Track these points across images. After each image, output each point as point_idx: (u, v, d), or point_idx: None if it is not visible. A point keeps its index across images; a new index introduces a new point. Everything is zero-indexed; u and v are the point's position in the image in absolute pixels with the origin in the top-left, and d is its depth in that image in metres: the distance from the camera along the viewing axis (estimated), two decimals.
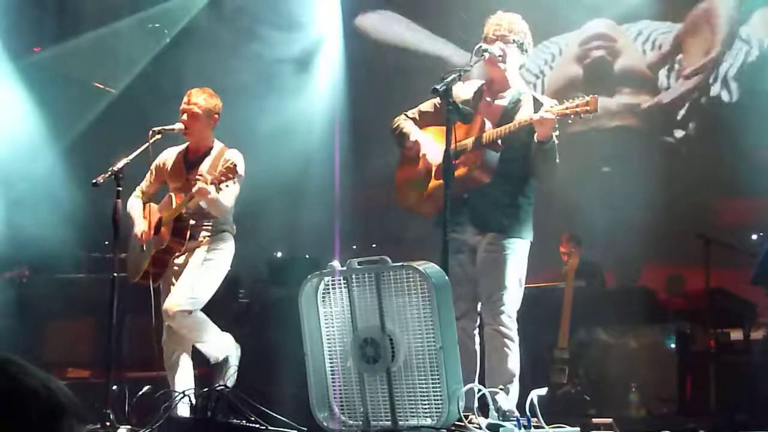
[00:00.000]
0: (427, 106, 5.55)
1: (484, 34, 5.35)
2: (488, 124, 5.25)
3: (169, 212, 6.00)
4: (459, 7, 9.54)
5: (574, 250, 7.91)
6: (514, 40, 5.31)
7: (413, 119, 5.57)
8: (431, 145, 5.39)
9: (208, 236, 6.05)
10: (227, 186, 5.76)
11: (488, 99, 5.43)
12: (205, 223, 6.05)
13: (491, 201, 5.25)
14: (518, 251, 5.28)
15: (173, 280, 6.04)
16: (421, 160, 5.41)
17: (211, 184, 5.69)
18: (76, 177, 8.62)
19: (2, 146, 8.60)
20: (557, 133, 5.20)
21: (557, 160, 5.22)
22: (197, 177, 5.86)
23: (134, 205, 6.24)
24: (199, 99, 6.07)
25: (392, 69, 10.34)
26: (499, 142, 5.20)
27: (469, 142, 5.25)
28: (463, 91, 5.43)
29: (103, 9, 10.16)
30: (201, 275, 5.95)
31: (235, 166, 5.70)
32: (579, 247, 7.98)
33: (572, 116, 5.04)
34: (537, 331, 7.05)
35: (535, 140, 5.13)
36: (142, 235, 6.07)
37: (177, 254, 6.01)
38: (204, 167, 6.04)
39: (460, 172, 5.21)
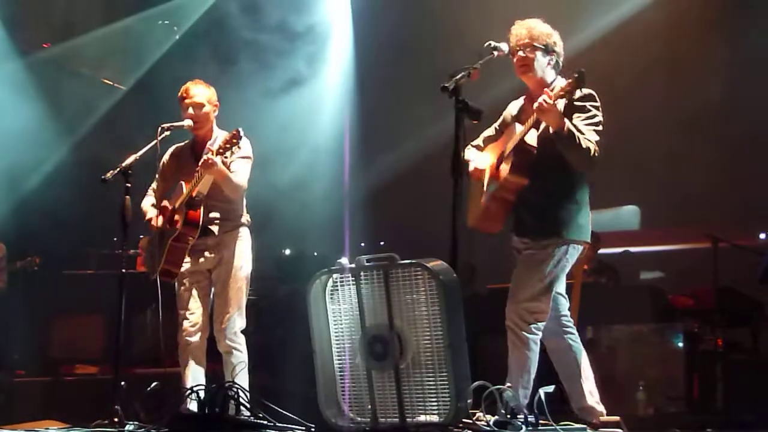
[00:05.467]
0: (489, 131, 5.53)
1: (510, 46, 5.32)
2: (518, 128, 5.22)
3: (180, 198, 6.00)
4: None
5: (589, 247, 7.87)
6: (536, 46, 5.31)
7: (477, 146, 5.57)
8: (481, 158, 5.40)
9: (225, 231, 6.04)
10: (233, 154, 5.78)
11: (528, 106, 5.37)
12: (220, 216, 6.04)
13: (530, 204, 5.20)
14: (552, 253, 5.15)
15: (191, 282, 6.06)
16: (471, 170, 5.39)
17: (217, 154, 5.71)
18: (84, 173, 8.63)
19: (11, 142, 8.61)
20: (595, 119, 5.10)
21: (586, 146, 5.00)
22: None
23: (146, 202, 6.25)
24: (198, 89, 6.12)
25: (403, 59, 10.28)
26: (532, 142, 5.16)
27: (507, 148, 5.25)
28: (513, 107, 5.48)
29: (113, 5, 10.18)
30: (236, 287, 6.00)
31: (239, 131, 5.70)
32: (596, 243, 7.94)
33: (566, 95, 4.95)
34: None
35: (550, 132, 5.11)
36: (155, 221, 6.09)
37: (191, 242, 5.98)
38: None
39: (501, 180, 5.20)
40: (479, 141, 5.60)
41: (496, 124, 5.51)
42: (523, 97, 5.50)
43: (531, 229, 5.23)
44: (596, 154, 5.03)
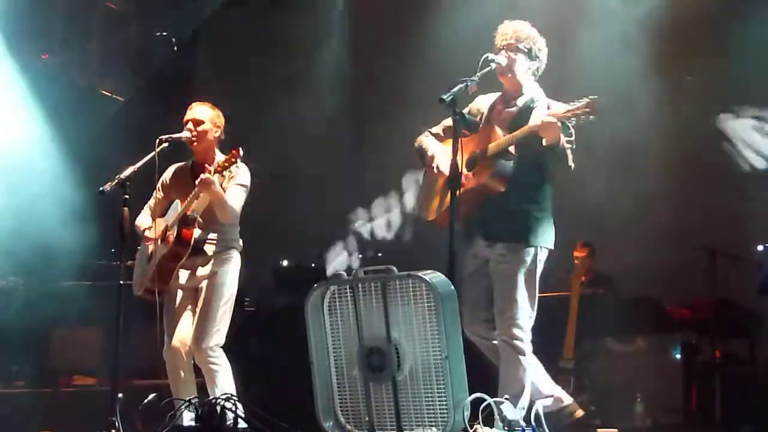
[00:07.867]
0: (450, 121, 5.46)
1: (494, 45, 5.38)
2: (500, 133, 5.25)
3: (174, 216, 5.99)
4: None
5: (585, 257, 7.87)
6: (520, 48, 5.33)
7: (436, 135, 5.61)
8: (446, 156, 5.33)
9: (216, 252, 6.04)
10: (231, 175, 5.77)
11: (501, 107, 5.44)
12: (212, 236, 6.03)
13: (501, 210, 5.24)
14: (529, 261, 5.25)
15: (179, 298, 6.05)
16: (437, 172, 5.41)
17: (215, 172, 5.70)
18: (82, 185, 8.62)
19: (9, 153, 8.61)
20: (572, 137, 5.19)
21: (570, 164, 5.17)
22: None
23: (142, 218, 6.25)
24: (201, 108, 6.14)
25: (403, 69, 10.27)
26: (512, 149, 5.20)
27: (483, 151, 5.26)
28: (482, 103, 5.50)
29: (111, 17, 10.19)
30: (218, 305, 5.96)
31: (239, 150, 5.69)
32: (592, 255, 7.93)
33: (572, 119, 5.02)
34: (543, 340, 7.04)
35: (543, 145, 5.13)
36: (151, 238, 6.08)
37: (182, 260, 5.98)
38: None
39: (474, 182, 5.23)
40: (439, 129, 5.62)
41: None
42: (496, 95, 5.51)
43: (504, 235, 5.28)
44: (572, 168, 5.18)
